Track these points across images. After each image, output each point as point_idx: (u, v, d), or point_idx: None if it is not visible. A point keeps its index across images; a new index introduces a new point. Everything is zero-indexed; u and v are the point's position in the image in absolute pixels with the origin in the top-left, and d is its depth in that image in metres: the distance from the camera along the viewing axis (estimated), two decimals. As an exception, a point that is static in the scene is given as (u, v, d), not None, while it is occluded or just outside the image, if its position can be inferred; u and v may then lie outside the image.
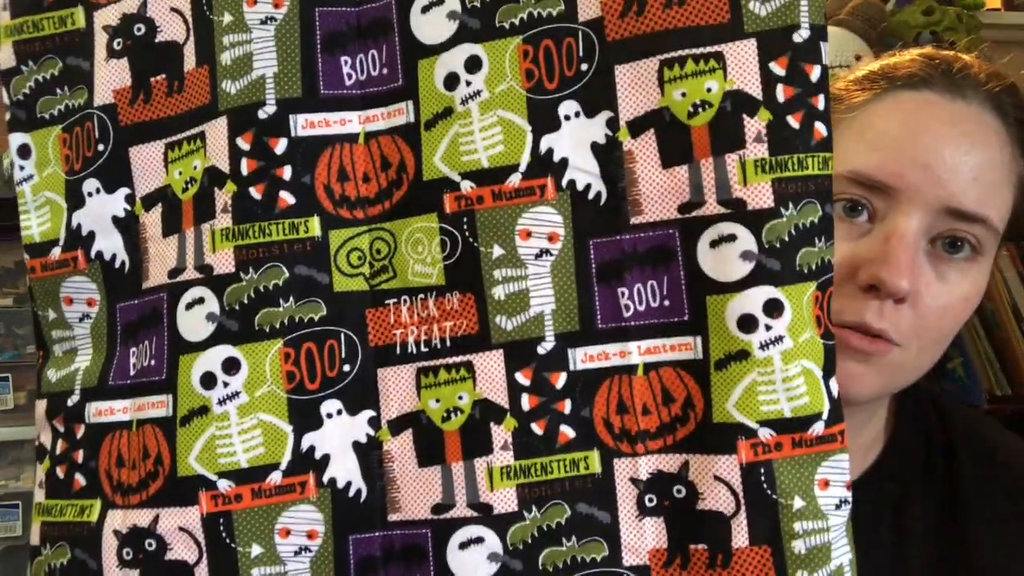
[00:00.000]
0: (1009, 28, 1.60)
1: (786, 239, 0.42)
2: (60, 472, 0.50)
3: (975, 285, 0.57)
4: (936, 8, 1.33)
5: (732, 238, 0.43)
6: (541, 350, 0.45)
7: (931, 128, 0.54)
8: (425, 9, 0.45)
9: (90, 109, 0.48)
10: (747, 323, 0.43)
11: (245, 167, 0.45)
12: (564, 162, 0.44)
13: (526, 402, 0.45)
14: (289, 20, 0.44)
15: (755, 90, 0.43)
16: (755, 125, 0.43)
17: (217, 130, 0.45)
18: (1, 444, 1.31)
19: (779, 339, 0.42)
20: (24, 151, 0.49)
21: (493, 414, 0.45)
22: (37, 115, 0.49)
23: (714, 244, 0.43)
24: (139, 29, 0.46)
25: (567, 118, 0.44)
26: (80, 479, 0.49)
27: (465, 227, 0.44)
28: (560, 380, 0.45)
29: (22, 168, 0.49)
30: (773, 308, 0.42)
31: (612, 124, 0.44)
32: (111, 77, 0.48)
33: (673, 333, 0.44)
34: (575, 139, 0.44)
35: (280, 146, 0.44)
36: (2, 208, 1.30)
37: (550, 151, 0.44)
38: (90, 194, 0.48)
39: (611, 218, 0.45)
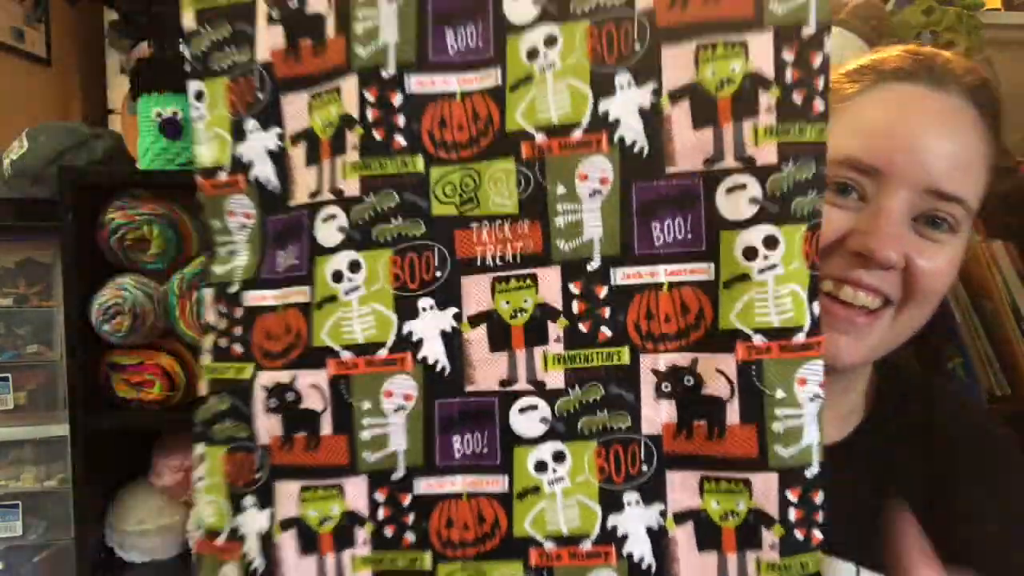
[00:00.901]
0: (1009, 28, 1.60)
1: (785, 189, 0.54)
2: (222, 342, 0.63)
3: (954, 257, 0.63)
4: (936, 8, 1.33)
5: (743, 186, 0.55)
6: (590, 268, 0.58)
7: (916, 117, 0.60)
8: None
9: (252, 64, 0.62)
10: (750, 253, 0.54)
11: (370, 115, 0.58)
12: (617, 122, 0.56)
13: (575, 307, 0.58)
14: (409, 2, 0.57)
15: (769, 72, 0.53)
16: (767, 99, 0.53)
17: (350, 85, 0.59)
18: (1, 444, 1.31)
19: (773, 266, 0.54)
20: (199, 95, 0.65)
21: (550, 315, 0.58)
22: (210, 67, 0.65)
23: (729, 191, 0.55)
24: (292, 3, 0.60)
25: (621, 87, 0.56)
26: (237, 347, 0.63)
27: (536, 169, 0.57)
28: (603, 292, 0.58)
29: (197, 108, 0.64)
30: (771, 242, 0.54)
31: (656, 93, 0.56)
32: (269, 40, 0.61)
33: (693, 259, 0.56)
34: (626, 104, 0.56)
35: (397, 99, 0.58)
36: (2, 208, 1.30)
37: (606, 112, 0.56)
38: (250, 131, 0.62)
39: (651, 167, 0.56)
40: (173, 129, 1.20)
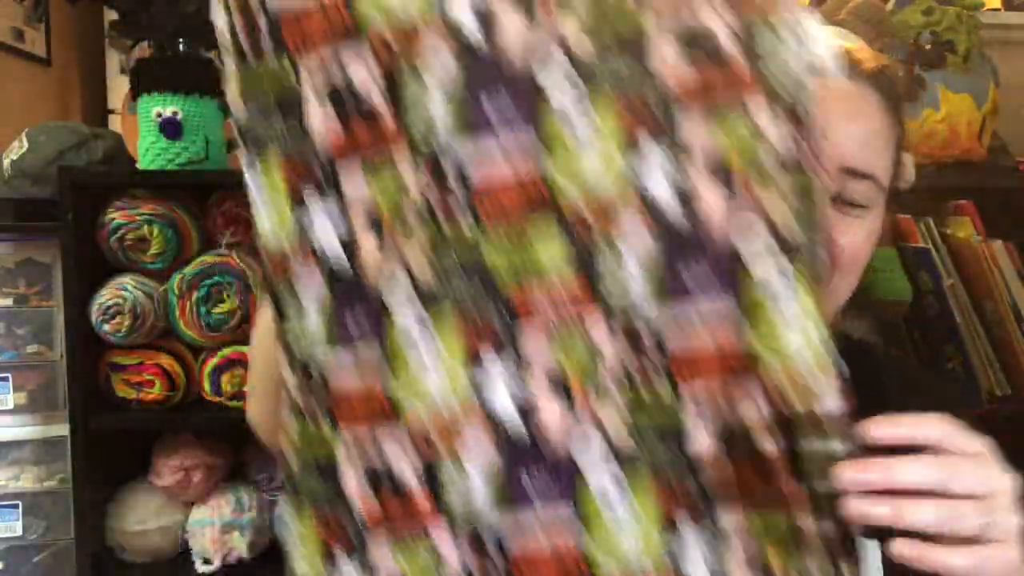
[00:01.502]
0: (1009, 28, 1.60)
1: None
2: (301, 404, 0.64)
3: (871, 232, 0.69)
4: (936, 8, 1.33)
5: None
6: (634, 317, 0.60)
7: (827, 105, 0.63)
8: None
9: (306, 140, 0.63)
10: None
11: (423, 182, 0.61)
12: (648, 190, 0.59)
13: (624, 357, 0.60)
14: (458, 90, 0.60)
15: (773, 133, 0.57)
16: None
17: (403, 155, 0.61)
18: (1, 444, 1.31)
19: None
20: (253, 167, 0.64)
21: (603, 362, 0.60)
22: (264, 141, 0.64)
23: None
24: (338, 80, 0.62)
25: (652, 156, 0.59)
26: (316, 411, 0.64)
27: (579, 229, 0.61)
28: (647, 339, 0.60)
29: (255, 180, 0.64)
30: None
31: (684, 162, 0.59)
32: (319, 113, 0.63)
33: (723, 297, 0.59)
34: (658, 173, 0.59)
35: (447, 166, 0.61)
36: (2, 208, 1.30)
37: (640, 180, 0.59)
38: (310, 201, 0.64)
39: (685, 237, 0.59)
40: (173, 129, 1.20)
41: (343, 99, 0.64)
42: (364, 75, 0.64)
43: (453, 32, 0.61)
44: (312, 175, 0.65)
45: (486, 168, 0.61)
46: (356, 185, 0.64)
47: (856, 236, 0.68)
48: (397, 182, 0.63)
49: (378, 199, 0.63)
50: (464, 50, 0.62)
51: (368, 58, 0.64)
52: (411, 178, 0.62)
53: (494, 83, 0.61)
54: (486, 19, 0.62)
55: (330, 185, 0.64)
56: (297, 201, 0.65)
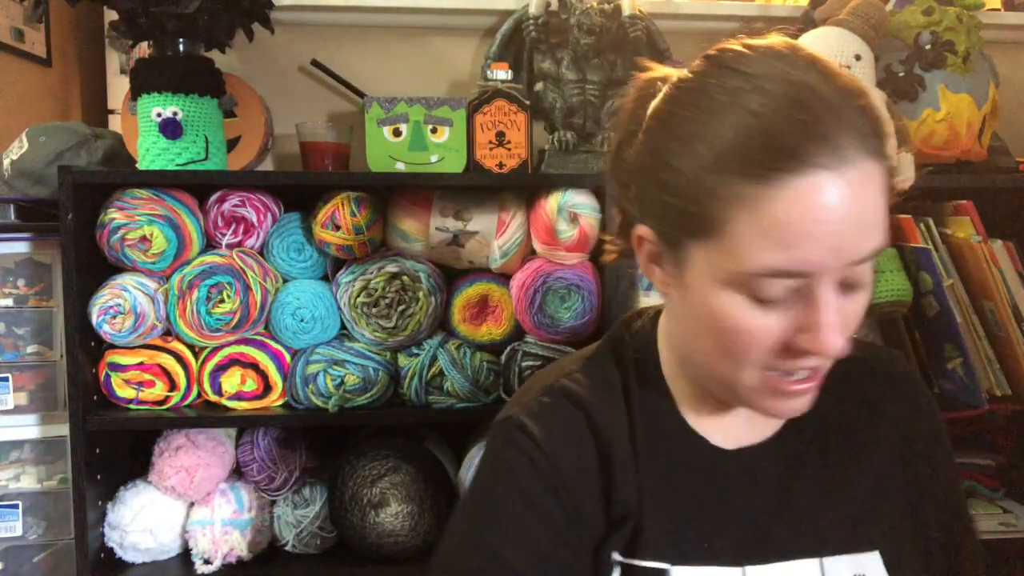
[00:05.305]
0: (1009, 28, 1.60)
1: None
2: None
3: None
4: (936, 8, 1.33)
5: None
6: None
7: (830, 213, 0.56)
8: None
9: None
10: None
11: None
12: None
13: None
14: None
15: None
16: None
17: None
18: (1, 444, 1.31)
19: None
20: None
21: None
22: None
23: None
24: None
25: None
26: None
27: None
28: None
29: None
30: None
31: None
32: None
33: None
34: None
35: None
36: (2, 208, 1.30)
37: None
38: None
39: None
40: (173, 129, 1.20)
41: None
42: None
43: None
44: None
45: None
46: None
47: (860, 303, 0.62)
48: None
49: None
50: None
51: None
52: None
53: None
54: None
55: None
56: None
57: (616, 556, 0.69)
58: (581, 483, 0.69)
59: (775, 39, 0.62)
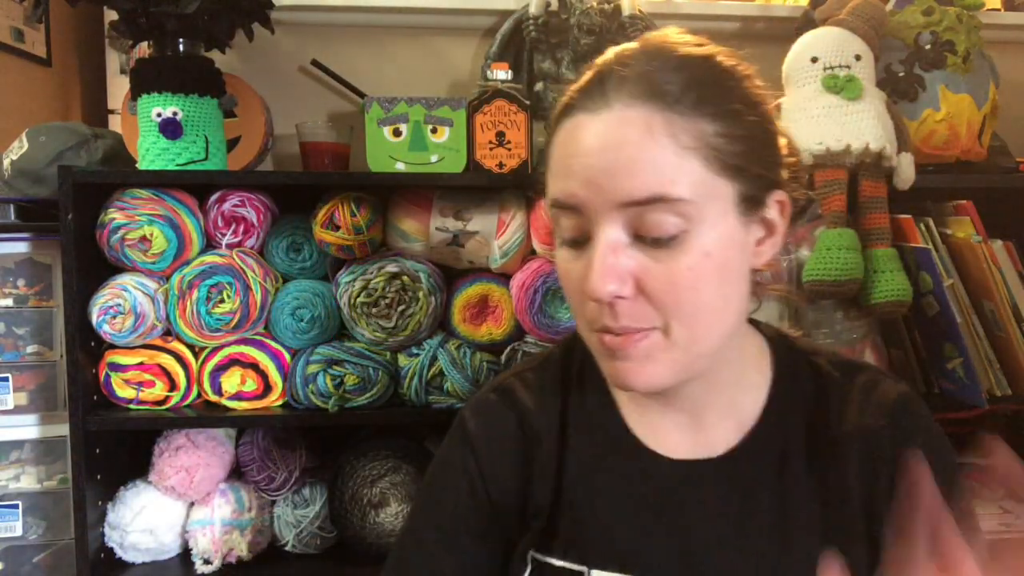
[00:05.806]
0: (1009, 28, 1.60)
1: None
2: None
3: (697, 251, 0.59)
4: (936, 8, 1.33)
5: None
6: None
7: (581, 147, 0.61)
8: None
9: None
10: None
11: None
12: None
13: None
14: None
15: None
16: None
17: None
18: (1, 444, 1.31)
19: None
20: None
21: None
22: None
23: None
24: None
25: None
26: None
27: None
28: None
29: None
30: None
31: None
32: None
33: None
34: None
35: None
36: (2, 208, 1.30)
37: None
38: None
39: None
40: (173, 129, 1.20)
41: None
42: None
43: None
44: None
45: None
46: None
47: (682, 260, 0.59)
48: None
49: None
50: None
51: None
52: None
53: None
54: None
55: None
56: None
57: (533, 553, 0.71)
58: (500, 479, 0.73)
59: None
